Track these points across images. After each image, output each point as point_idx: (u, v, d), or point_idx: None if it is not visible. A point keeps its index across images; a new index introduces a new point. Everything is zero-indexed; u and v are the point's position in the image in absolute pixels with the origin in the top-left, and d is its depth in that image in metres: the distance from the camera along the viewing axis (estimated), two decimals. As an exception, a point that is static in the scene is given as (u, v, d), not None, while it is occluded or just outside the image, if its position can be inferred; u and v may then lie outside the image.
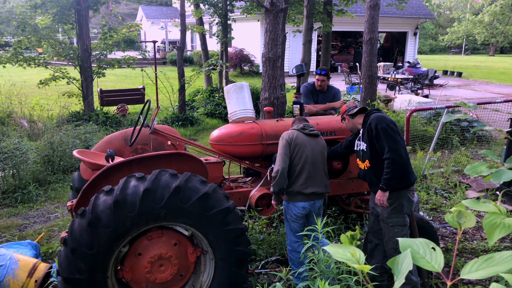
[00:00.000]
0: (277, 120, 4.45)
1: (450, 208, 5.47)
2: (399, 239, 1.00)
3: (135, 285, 3.21)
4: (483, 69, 30.11)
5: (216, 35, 14.96)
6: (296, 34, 13.62)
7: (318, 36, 13.25)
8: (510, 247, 4.94)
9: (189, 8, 16.97)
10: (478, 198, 6.40)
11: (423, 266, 0.92)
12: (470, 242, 5.07)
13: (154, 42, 11.98)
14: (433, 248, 0.92)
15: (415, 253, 0.91)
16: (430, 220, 5.51)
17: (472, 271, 0.82)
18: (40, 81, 11.09)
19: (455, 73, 25.88)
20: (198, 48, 25.70)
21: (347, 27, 24.33)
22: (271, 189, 3.78)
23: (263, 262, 4.44)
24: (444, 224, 5.48)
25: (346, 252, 0.92)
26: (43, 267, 3.87)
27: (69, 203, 3.74)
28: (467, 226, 0.95)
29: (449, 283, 0.88)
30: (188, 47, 33.58)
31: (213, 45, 22.16)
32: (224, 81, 14.61)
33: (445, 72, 26.59)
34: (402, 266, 0.89)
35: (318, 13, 12.49)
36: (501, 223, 0.90)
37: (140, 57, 12.67)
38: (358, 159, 3.86)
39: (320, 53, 14.86)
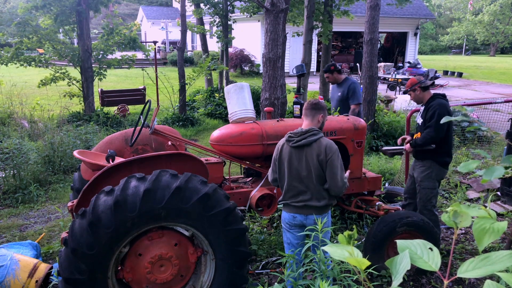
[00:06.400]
0: (278, 121, 4.46)
1: (451, 208, 5.47)
2: (397, 241, 1.01)
3: (135, 286, 3.22)
4: (484, 70, 30.10)
5: (216, 35, 14.97)
6: (296, 34, 13.63)
7: (318, 36, 13.28)
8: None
9: (189, 9, 16.99)
10: (478, 198, 6.40)
11: (421, 266, 0.93)
12: (470, 242, 5.08)
13: (155, 42, 12.01)
14: (430, 248, 0.92)
15: (413, 253, 0.92)
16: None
17: (468, 270, 0.83)
18: (41, 81, 11.12)
19: (456, 73, 25.88)
20: (199, 48, 25.72)
21: (347, 27, 24.33)
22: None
23: (263, 262, 4.45)
24: (444, 225, 5.48)
25: (344, 252, 0.92)
26: (43, 267, 3.88)
27: (69, 204, 3.74)
28: (463, 226, 0.95)
29: (446, 282, 0.88)
30: (189, 47, 33.63)
31: (214, 45, 22.18)
32: (224, 81, 14.62)
33: (445, 72, 26.58)
34: (400, 266, 0.90)
35: (319, 13, 12.50)
36: (491, 227, 0.90)
37: (143, 56, 12.69)
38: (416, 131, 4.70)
39: (320, 53, 14.87)
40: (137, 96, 12.76)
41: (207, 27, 16.29)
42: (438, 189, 4.75)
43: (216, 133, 4.31)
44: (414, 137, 4.61)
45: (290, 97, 8.34)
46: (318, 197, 3.40)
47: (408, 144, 4.59)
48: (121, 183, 3.01)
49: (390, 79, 17.84)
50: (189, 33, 22.82)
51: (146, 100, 6.82)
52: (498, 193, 6.32)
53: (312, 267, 2.90)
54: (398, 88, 16.87)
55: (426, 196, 4.59)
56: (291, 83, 14.67)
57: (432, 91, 4.65)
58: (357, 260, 0.89)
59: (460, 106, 8.41)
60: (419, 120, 4.60)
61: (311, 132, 3.38)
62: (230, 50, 20.84)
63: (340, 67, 6.58)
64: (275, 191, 4.17)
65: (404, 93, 4.90)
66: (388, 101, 12.03)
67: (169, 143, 4.26)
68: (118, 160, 3.57)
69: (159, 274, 3.22)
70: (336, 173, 3.33)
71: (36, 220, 5.76)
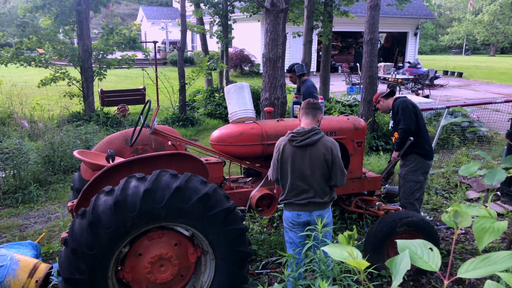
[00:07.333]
0: (278, 120, 4.46)
1: (451, 208, 5.49)
2: (397, 241, 1.01)
3: (135, 286, 3.22)
4: (484, 69, 30.11)
5: (216, 35, 14.97)
6: (297, 35, 13.64)
7: (319, 36, 13.31)
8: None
9: (189, 9, 16.99)
10: (478, 198, 6.40)
11: (421, 266, 0.93)
12: (470, 242, 5.07)
13: (155, 42, 11.99)
14: (430, 248, 0.92)
15: (413, 253, 0.92)
16: (431, 221, 5.51)
17: (469, 270, 0.83)
18: (41, 81, 11.12)
19: (456, 73, 25.88)
20: (199, 48, 25.74)
21: (347, 27, 24.33)
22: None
23: (263, 262, 4.45)
24: (445, 225, 5.48)
25: (344, 252, 0.92)
26: (43, 267, 3.88)
27: (69, 204, 3.74)
28: (464, 226, 0.95)
29: (446, 282, 0.88)
30: (189, 47, 33.61)
31: (214, 45, 22.17)
32: (224, 81, 14.62)
33: (445, 72, 26.58)
34: (400, 266, 0.90)
35: (319, 13, 12.50)
36: (491, 227, 0.90)
37: (143, 56, 12.71)
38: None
39: (320, 53, 14.87)
40: (137, 96, 12.76)
41: (207, 27, 16.29)
42: (425, 183, 4.90)
43: (216, 133, 4.31)
44: (393, 139, 4.91)
45: (290, 97, 8.33)
46: (321, 194, 3.47)
47: (394, 152, 4.86)
48: (121, 183, 3.01)
49: (390, 79, 17.82)
50: (189, 33, 22.83)
51: (146, 100, 6.83)
52: (498, 193, 6.32)
53: (312, 267, 2.91)
54: (398, 88, 16.86)
55: (410, 189, 4.74)
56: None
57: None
58: (356, 261, 0.89)
59: (459, 107, 8.42)
60: (391, 123, 5.02)
61: (313, 131, 3.43)
62: (230, 50, 20.84)
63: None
64: (275, 191, 4.17)
65: (375, 110, 5.18)
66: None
67: (169, 143, 4.26)
68: (118, 160, 3.57)
69: (159, 274, 3.22)
70: (341, 169, 3.47)
71: (36, 220, 5.76)
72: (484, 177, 1.08)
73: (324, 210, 3.52)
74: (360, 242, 4.62)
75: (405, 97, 4.92)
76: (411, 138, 4.64)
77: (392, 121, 4.92)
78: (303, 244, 3.53)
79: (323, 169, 3.42)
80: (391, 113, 4.97)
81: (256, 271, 4.30)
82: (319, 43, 19.43)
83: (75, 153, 3.82)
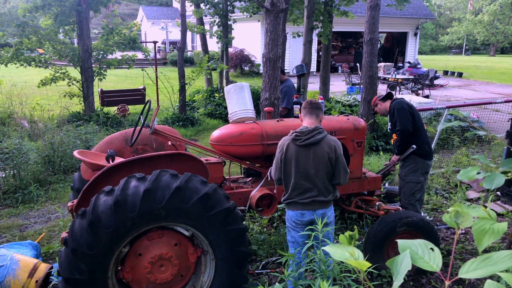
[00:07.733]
0: (278, 121, 4.45)
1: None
2: (398, 241, 1.01)
3: (135, 286, 3.22)
4: (484, 70, 30.11)
5: (216, 35, 14.96)
6: (297, 35, 13.63)
7: (318, 36, 13.30)
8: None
9: (189, 9, 16.99)
10: (478, 198, 6.40)
11: (421, 266, 0.92)
12: (471, 242, 5.07)
13: (155, 42, 11.99)
14: (431, 248, 0.92)
15: (414, 253, 0.92)
16: (431, 221, 5.51)
17: (470, 270, 0.83)
18: (41, 81, 11.12)
19: (456, 74, 25.88)
20: (199, 48, 25.73)
21: (347, 27, 24.33)
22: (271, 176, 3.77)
23: (263, 262, 4.45)
24: (445, 225, 5.48)
25: (345, 252, 0.92)
26: (43, 267, 3.88)
27: (69, 204, 3.74)
28: (465, 226, 0.95)
29: (447, 282, 0.88)
30: (189, 47, 33.61)
31: (214, 45, 22.18)
32: (224, 81, 14.62)
33: (445, 73, 26.58)
34: (401, 267, 0.90)
35: (319, 13, 12.50)
36: (490, 228, 0.90)
37: (143, 56, 12.72)
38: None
39: (320, 53, 14.88)
40: (137, 96, 12.76)
41: (207, 27, 16.29)
42: (425, 184, 4.88)
43: (216, 133, 4.31)
44: (392, 140, 4.92)
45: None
46: (325, 192, 3.51)
47: (393, 156, 4.91)
48: (121, 183, 3.01)
49: (390, 79, 17.82)
50: (189, 33, 22.82)
51: (146, 100, 6.83)
52: (498, 193, 6.32)
53: (312, 267, 2.90)
54: (398, 88, 16.86)
55: (410, 190, 4.73)
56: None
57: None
58: (358, 262, 0.89)
59: (455, 110, 8.41)
60: (389, 125, 5.01)
61: (317, 130, 3.47)
62: (230, 50, 20.84)
63: (284, 69, 6.85)
64: (275, 191, 4.17)
65: (374, 113, 5.18)
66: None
67: (169, 143, 4.26)
68: (118, 160, 3.57)
69: (159, 274, 3.22)
70: (345, 167, 3.53)
71: (36, 220, 5.76)
72: (484, 183, 1.08)
73: (327, 209, 3.56)
74: (360, 242, 4.62)
75: (402, 98, 4.95)
76: (414, 146, 4.62)
77: (390, 123, 4.93)
78: (305, 243, 3.55)
79: (327, 167, 3.46)
80: (388, 116, 4.99)
81: (256, 271, 4.30)
82: (319, 43, 19.42)
83: (75, 153, 3.82)
